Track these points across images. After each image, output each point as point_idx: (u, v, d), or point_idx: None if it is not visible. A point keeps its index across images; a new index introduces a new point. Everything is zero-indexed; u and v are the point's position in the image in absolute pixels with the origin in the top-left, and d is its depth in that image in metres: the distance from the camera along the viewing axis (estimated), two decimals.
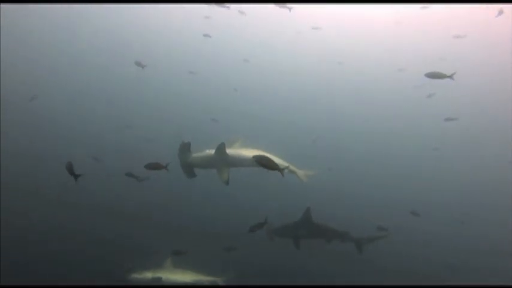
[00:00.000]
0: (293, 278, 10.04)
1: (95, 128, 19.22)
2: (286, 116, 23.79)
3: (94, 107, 21.57)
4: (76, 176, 5.13)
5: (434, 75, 6.85)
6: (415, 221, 11.25)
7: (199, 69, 21.15)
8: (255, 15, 19.42)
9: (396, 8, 20.92)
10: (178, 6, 23.31)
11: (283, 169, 4.75)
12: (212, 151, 6.92)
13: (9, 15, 20.54)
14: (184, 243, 7.70)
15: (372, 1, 21.16)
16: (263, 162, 4.50)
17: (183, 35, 26.58)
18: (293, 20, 22.48)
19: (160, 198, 12.85)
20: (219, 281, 7.53)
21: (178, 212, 12.54)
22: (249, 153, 7.00)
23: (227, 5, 10.04)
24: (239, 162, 7.02)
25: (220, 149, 6.77)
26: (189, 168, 7.15)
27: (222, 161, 6.87)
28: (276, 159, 6.77)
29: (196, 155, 7.10)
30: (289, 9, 9.02)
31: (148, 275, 6.83)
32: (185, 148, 7.05)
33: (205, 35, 16.00)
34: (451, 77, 6.71)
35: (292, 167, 7.04)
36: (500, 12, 12.21)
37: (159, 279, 6.74)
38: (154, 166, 5.73)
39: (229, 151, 6.93)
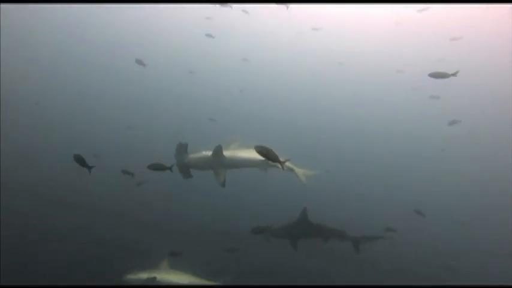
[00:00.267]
0: (293, 279, 10.02)
1: (96, 128, 19.23)
2: (286, 116, 23.80)
3: (94, 107, 21.59)
4: (89, 168, 5.09)
5: (438, 75, 6.84)
6: (415, 222, 11.27)
7: (198, 69, 21.20)
8: (256, 16, 19.42)
9: (396, 9, 20.94)
10: (179, 6, 23.34)
11: (284, 161, 4.75)
12: (209, 152, 6.89)
13: (9, 15, 20.56)
14: (184, 244, 7.69)
15: (371, 1, 21.13)
16: (264, 153, 4.51)
17: (184, 36, 26.62)
18: (293, 21, 22.56)
19: (160, 198, 12.85)
20: (216, 282, 7.48)
21: (178, 213, 12.54)
22: (246, 154, 7.00)
23: (230, 4, 9.97)
24: (236, 163, 7.01)
25: (217, 151, 6.75)
26: (186, 169, 7.12)
27: (218, 162, 6.85)
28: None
29: (193, 156, 7.07)
30: (287, 7, 9.04)
31: (143, 276, 6.78)
32: (182, 149, 7.03)
33: (207, 35, 16.00)
34: (454, 74, 6.70)
35: (291, 165, 7.01)
36: None
37: (154, 279, 6.70)
38: (158, 167, 5.65)
39: (226, 153, 6.92)
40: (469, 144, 21.24)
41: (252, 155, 6.92)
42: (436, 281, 11.25)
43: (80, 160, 5.08)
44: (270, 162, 6.79)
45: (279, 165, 6.55)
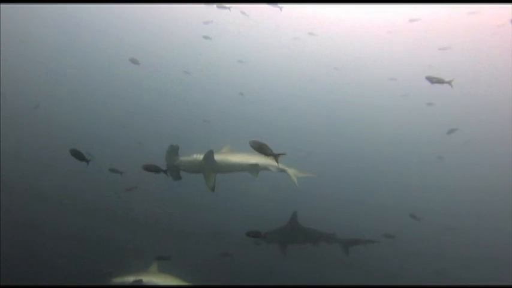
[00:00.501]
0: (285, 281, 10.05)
1: (95, 127, 19.27)
2: (281, 119, 23.92)
3: (94, 107, 21.69)
4: (87, 161, 5.07)
5: (433, 80, 6.92)
6: (409, 227, 11.34)
7: (193, 71, 21.26)
8: (253, 19, 19.52)
9: (390, 17, 21.18)
10: (175, 6, 23.41)
11: (277, 155, 4.82)
12: (200, 156, 6.83)
13: (9, 15, 20.64)
14: (177, 247, 7.65)
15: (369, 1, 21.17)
16: (257, 147, 4.62)
17: (180, 36, 26.69)
18: (290, 26, 22.69)
19: (159, 202, 12.87)
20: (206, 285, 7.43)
21: (176, 216, 12.55)
22: (237, 159, 7.00)
23: (227, 5, 9.92)
24: (226, 167, 6.96)
25: (208, 156, 6.70)
26: (175, 171, 7.05)
27: (209, 166, 6.80)
28: (268, 161, 6.81)
29: (183, 158, 7.01)
30: (280, 8, 9.11)
31: (129, 279, 6.73)
32: (173, 151, 7.00)
33: (205, 37, 16.04)
34: (450, 83, 6.82)
35: (283, 166, 7.00)
36: None
37: (140, 281, 6.65)
38: (152, 168, 5.44)
39: (217, 157, 6.85)
40: (467, 151, 21.26)
41: (243, 159, 6.98)
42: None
43: (77, 154, 5.09)
44: (260, 165, 6.94)
45: (273, 163, 6.66)
